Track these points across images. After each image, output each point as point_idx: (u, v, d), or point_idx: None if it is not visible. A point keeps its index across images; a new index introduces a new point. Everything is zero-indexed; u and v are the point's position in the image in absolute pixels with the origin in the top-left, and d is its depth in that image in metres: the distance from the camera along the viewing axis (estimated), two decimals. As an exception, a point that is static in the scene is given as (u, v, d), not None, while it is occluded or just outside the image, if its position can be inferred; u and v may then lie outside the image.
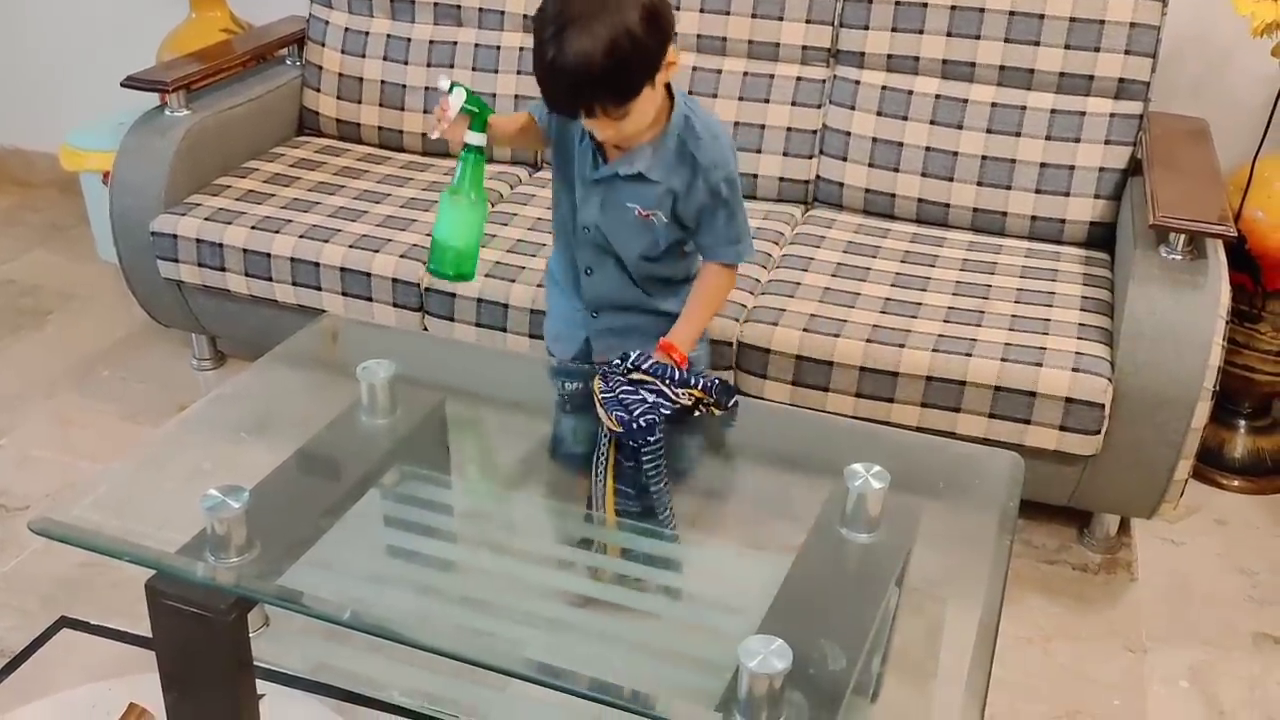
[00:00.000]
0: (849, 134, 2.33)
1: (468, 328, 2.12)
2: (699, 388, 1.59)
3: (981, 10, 2.22)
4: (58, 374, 2.54)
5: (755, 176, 2.39)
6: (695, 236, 1.67)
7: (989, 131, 2.24)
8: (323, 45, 2.64)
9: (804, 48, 2.35)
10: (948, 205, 2.28)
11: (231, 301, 2.32)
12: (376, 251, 2.17)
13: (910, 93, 2.29)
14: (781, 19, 2.34)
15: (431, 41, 2.55)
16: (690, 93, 2.39)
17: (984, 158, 2.24)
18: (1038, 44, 2.20)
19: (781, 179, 2.38)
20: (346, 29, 2.62)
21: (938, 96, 2.27)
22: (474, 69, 2.51)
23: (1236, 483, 2.27)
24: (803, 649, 1.18)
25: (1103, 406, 1.83)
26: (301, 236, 2.21)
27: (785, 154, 2.37)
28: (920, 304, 2.01)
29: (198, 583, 1.32)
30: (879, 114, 2.30)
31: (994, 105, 2.24)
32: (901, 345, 1.91)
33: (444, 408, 1.86)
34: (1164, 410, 1.83)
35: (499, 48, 2.51)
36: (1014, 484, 1.53)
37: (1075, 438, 1.86)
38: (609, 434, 1.58)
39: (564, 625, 1.46)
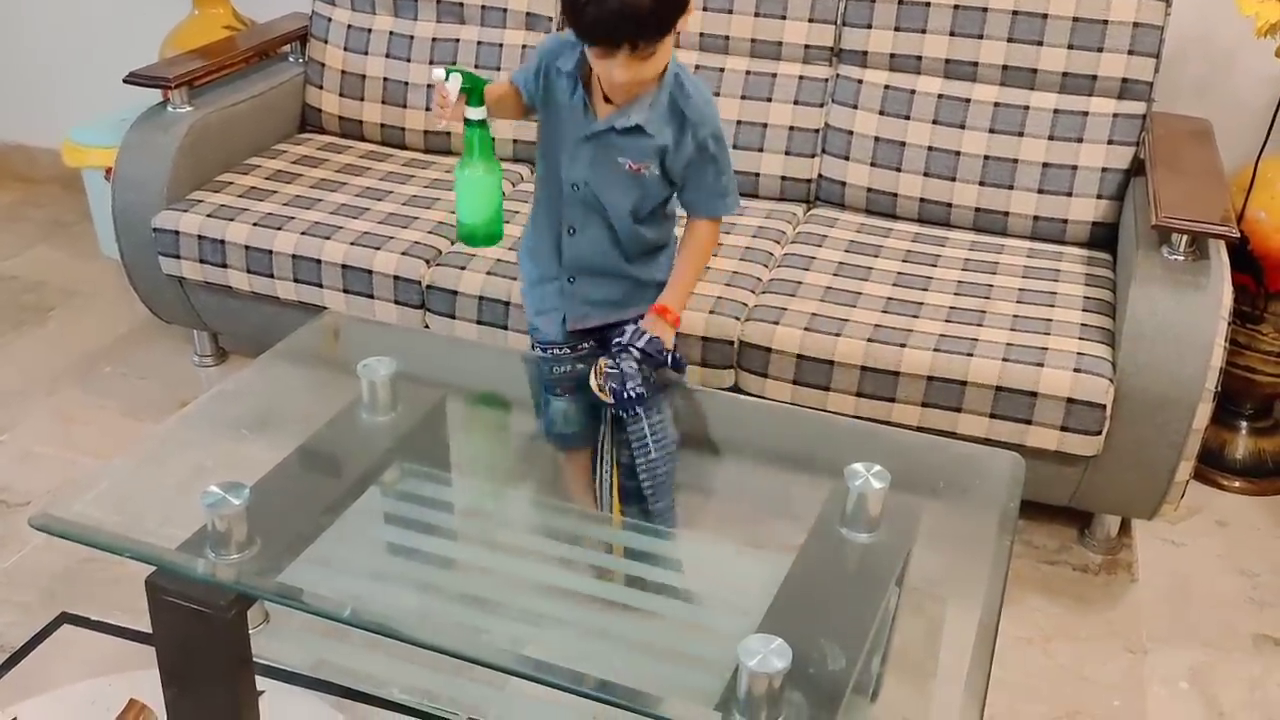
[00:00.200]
0: (851, 133, 2.33)
1: (469, 325, 2.12)
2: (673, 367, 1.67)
3: (984, 10, 2.22)
4: (60, 370, 2.54)
5: (757, 175, 2.39)
6: (682, 192, 1.69)
7: (992, 131, 2.24)
8: (325, 42, 2.64)
9: (806, 46, 2.34)
10: (950, 205, 2.28)
11: (233, 298, 2.32)
12: (378, 249, 2.17)
13: (913, 92, 2.28)
14: (784, 18, 2.34)
15: (434, 39, 2.55)
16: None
17: (986, 157, 2.24)
18: (1041, 44, 2.20)
19: (784, 178, 2.38)
20: (349, 26, 2.62)
21: (940, 96, 2.27)
22: (476, 66, 2.51)
23: (1238, 484, 2.26)
24: (802, 648, 1.18)
25: (1104, 407, 1.83)
26: (303, 233, 2.21)
27: (787, 153, 2.37)
28: (922, 304, 2.01)
29: (198, 579, 1.32)
30: (881, 113, 2.30)
31: (997, 105, 2.24)
32: (903, 345, 1.90)
33: (445, 405, 1.87)
34: (1165, 411, 1.82)
35: (501, 45, 2.51)
36: (1014, 484, 1.53)
37: (1076, 438, 1.85)
38: (607, 421, 1.58)
39: (563, 623, 1.46)
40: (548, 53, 1.65)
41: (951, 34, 2.24)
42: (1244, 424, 2.29)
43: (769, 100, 2.36)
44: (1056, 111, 2.21)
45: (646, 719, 1.18)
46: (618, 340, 1.65)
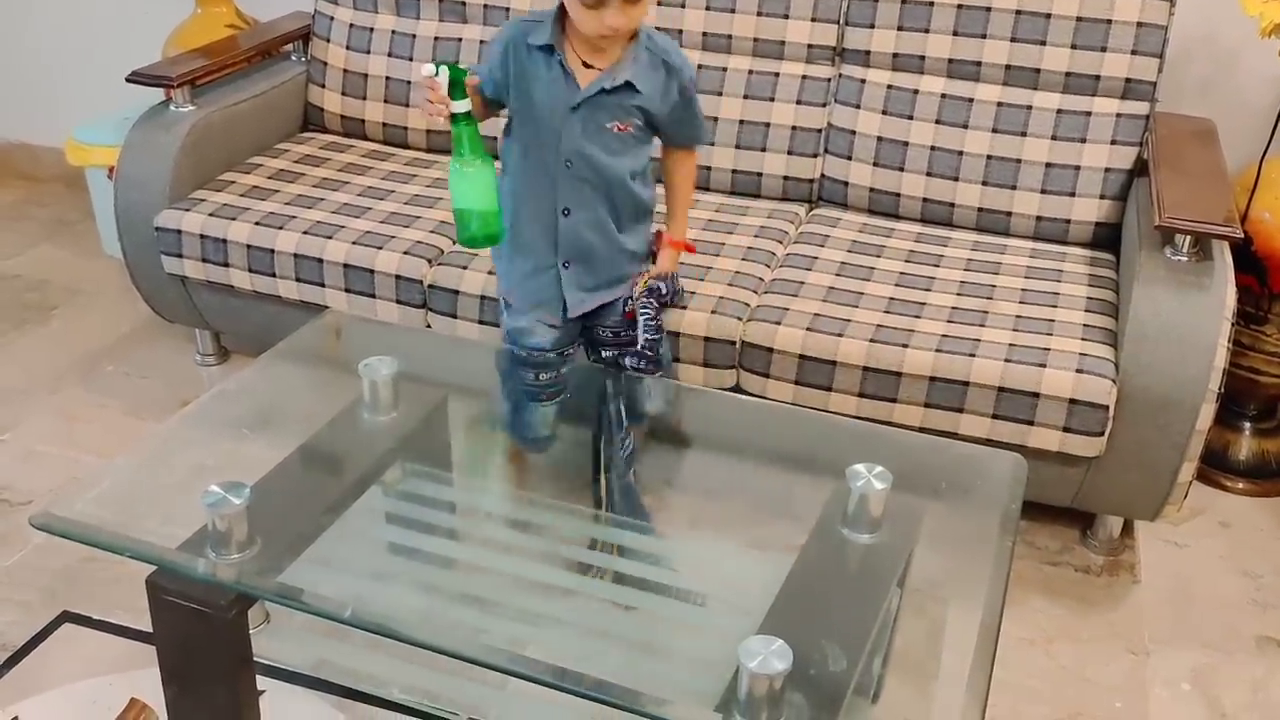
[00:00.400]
0: (854, 133, 2.32)
1: (471, 325, 2.12)
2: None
3: (988, 9, 2.21)
4: (62, 369, 2.55)
5: (760, 175, 2.39)
6: (670, 133, 1.77)
7: (994, 131, 2.23)
8: (328, 41, 2.64)
9: (809, 46, 2.34)
10: (952, 205, 2.28)
11: (235, 297, 2.32)
12: (380, 248, 2.17)
13: (916, 92, 2.28)
14: (787, 17, 2.33)
15: (436, 38, 2.55)
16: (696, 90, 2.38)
17: (989, 157, 2.24)
18: (1044, 44, 2.19)
19: (786, 178, 2.38)
20: (352, 25, 2.62)
21: (943, 96, 2.26)
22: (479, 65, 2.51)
23: (1241, 485, 2.26)
24: (803, 649, 1.18)
25: (1106, 408, 1.82)
26: (305, 233, 2.21)
27: (790, 153, 2.36)
28: (924, 304, 2.01)
29: (198, 579, 1.32)
30: (884, 113, 2.30)
31: (1000, 105, 2.23)
32: (905, 345, 1.90)
33: (446, 405, 1.86)
34: (1168, 412, 1.82)
35: (504, 45, 2.51)
36: (1016, 485, 1.53)
37: (1079, 439, 1.85)
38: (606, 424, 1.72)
39: (564, 623, 1.46)
40: (512, 37, 1.67)
41: (955, 33, 2.24)
42: (1247, 425, 2.29)
43: (772, 100, 2.36)
44: (1060, 111, 2.20)
45: (646, 720, 1.18)
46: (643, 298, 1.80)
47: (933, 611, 1.52)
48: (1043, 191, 2.22)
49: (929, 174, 2.27)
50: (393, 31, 2.58)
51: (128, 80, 2.37)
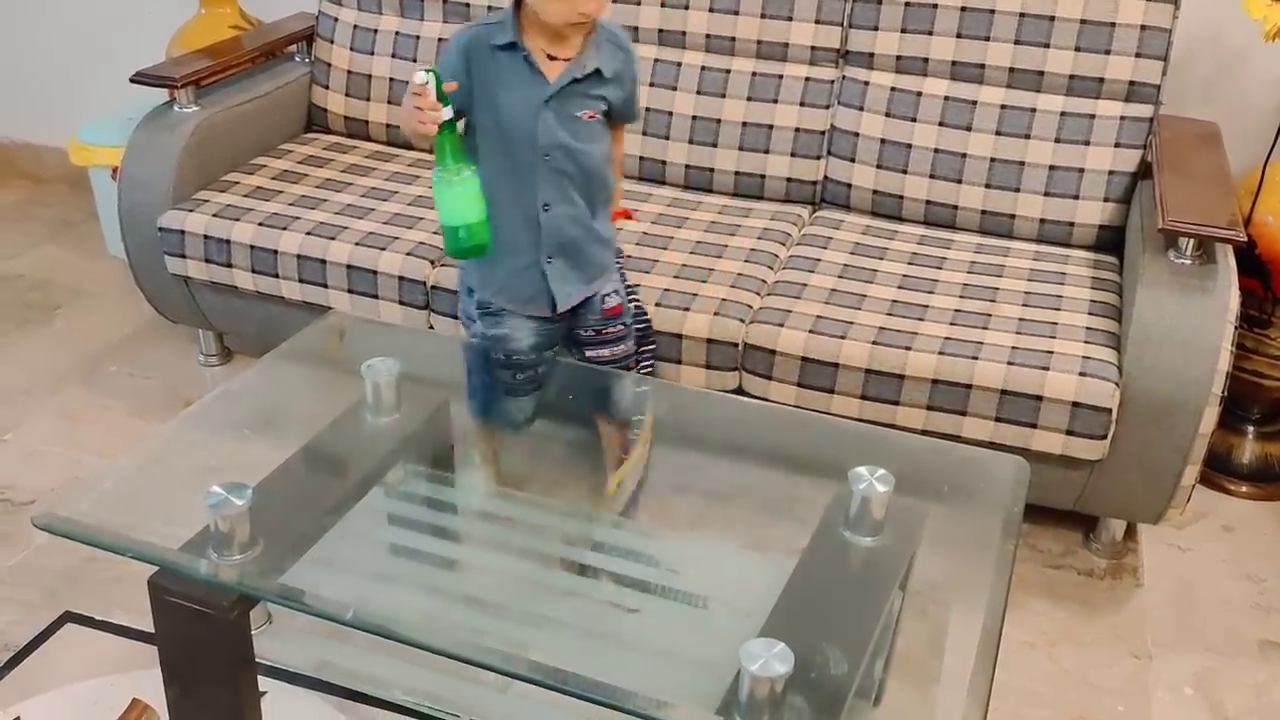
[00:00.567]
0: (857, 135, 2.32)
1: (473, 326, 2.12)
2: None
3: (992, 12, 2.21)
4: (65, 369, 2.55)
5: (763, 177, 2.39)
6: (621, 111, 1.77)
7: (998, 134, 2.23)
8: (332, 42, 2.64)
9: (813, 48, 2.34)
10: (956, 207, 2.28)
11: (238, 298, 2.32)
12: (383, 249, 2.17)
13: (919, 94, 2.28)
14: (790, 19, 2.33)
15: (440, 39, 2.55)
16: (698, 92, 2.39)
17: (993, 160, 2.24)
18: (1048, 46, 2.19)
19: (789, 180, 2.38)
20: (356, 26, 2.62)
21: (947, 98, 2.26)
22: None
23: (1244, 489, 2.25)
24: (805, 652, 1.18)
25: (1109, 411, 1.82)
26: (308, 233, 2.21)
27: (793, 155, 2.36)
28: (927, 306, 2.01)
29: (200, 580, 1.32)
30: (887, 115, 2.30)
31: (1003, 107, 2.23)
32: (908, 348, 1.90)
33: (449, 406, 1.86)
34: (1171, 415, 1.82)
35: (508, 46, 2.51)
36: (1018, 488, 1.53)
37: (1081, 442, 1.85)
38: None
39: (565, 626, 1.45)
40: (470, 40, 1.67)
41: (958, 36, 2.24)
42: (1251, 428, 2.28)
43: (775, 102, 2.36)
44: (1063, 114, 2.20)
45: (647, 723, 1.18)
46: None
47: (935, 614, 1.51)
48: (1046, 194, 2.22)
49: (932, 176, 2.27)
50: (396, 33, 2.58)
51: (132, 81, 2.37)
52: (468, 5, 2.53)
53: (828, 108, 2.35)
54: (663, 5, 2.40)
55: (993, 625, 1.31)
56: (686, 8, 2.38)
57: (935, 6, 2.24)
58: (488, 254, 1.68)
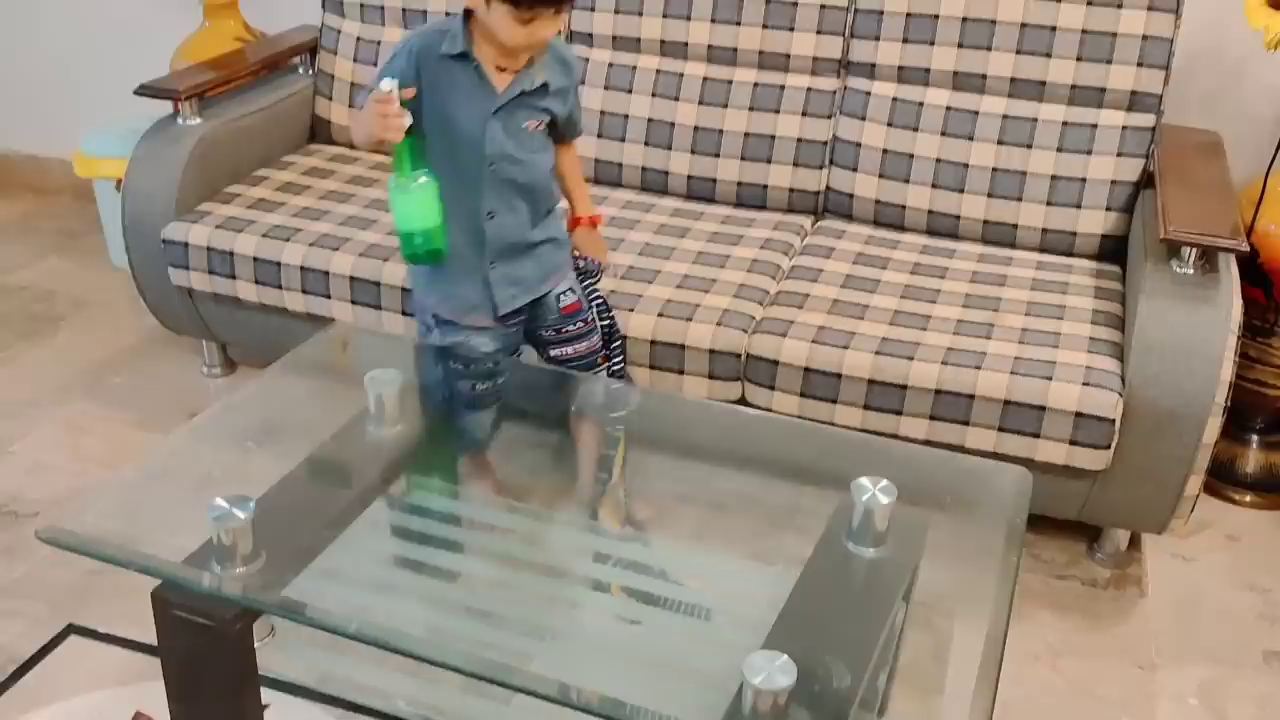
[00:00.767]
0: (859, 145, 2.32)
1: (476, 337, 2.12)
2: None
3: (993, 22, 2.21)
4: (69, 381, 2.55)
5: (765, 187, 2.39)
6: (565, 125, 1.81)
7: (1000, 143, 2.23)
8: (335, 54, 2.65)
9: (815, 59, 2.34)
10: (958, 217, 2.28)
11: (241, 309, 2.33)
12: (386, 260, 2.17)
13: (921, 104, 2.28)
14: (792, 30, 2.34)
15: (443, 51, 2.56)
16: (700, 102, 2.39)
17: (995, 169, 2.24)
18: (1049, 56, 2.19)
19: (791, 190, 2.38)
20: (359, 38, 2.63)
21: (949, 108, 2.26)
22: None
23: (1248, 498, 2.25)
24: (808, 665, 1.18)
25: (1113, 421, 1.82)
26: (311, 245, 2.22)
27: (795, 165, 2.37)
28: (930, 316, 2.01)
29: (203, 593, 1.32)
30: (890, 125, 2.30)
31: (1005, 117, 2.23)
32: (910, 358, 1.90)
33: (452, 417, 1.87)
34: (1175, 425, 1.82)
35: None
36: (1021, 499, 1.53)
37: (1085, 452, 1.85)
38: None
39: (569, 637, 1.45)
40: (420, 46, 1.68)
41: (960, 46, 2.24)
42: (1255, 438, 2.28)
43: (777, 112, 2.36)
44: (1065, 124, 2.20)
45: (651, 735, 1.18)
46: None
47: (938, 626, 1.51)
48: (1048, 204, 2.22)
49: (934, 186, 2.28)
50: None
51: (136, 93, 2.38)
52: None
53: (830, 118, 2.35)
54: (665, 16, 2.40)
55: (996, 636, 1.31)
56: (688, 18, 2.39)
57: (937, 17, 2.25)
58: (443, 260, 1.70)
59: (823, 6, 2.31)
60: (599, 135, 2.45)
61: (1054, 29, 2.18)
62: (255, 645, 1.40)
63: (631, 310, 2.02)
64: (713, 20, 2.38)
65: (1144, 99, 2.17)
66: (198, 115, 2.41)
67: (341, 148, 2.67)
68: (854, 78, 2.34)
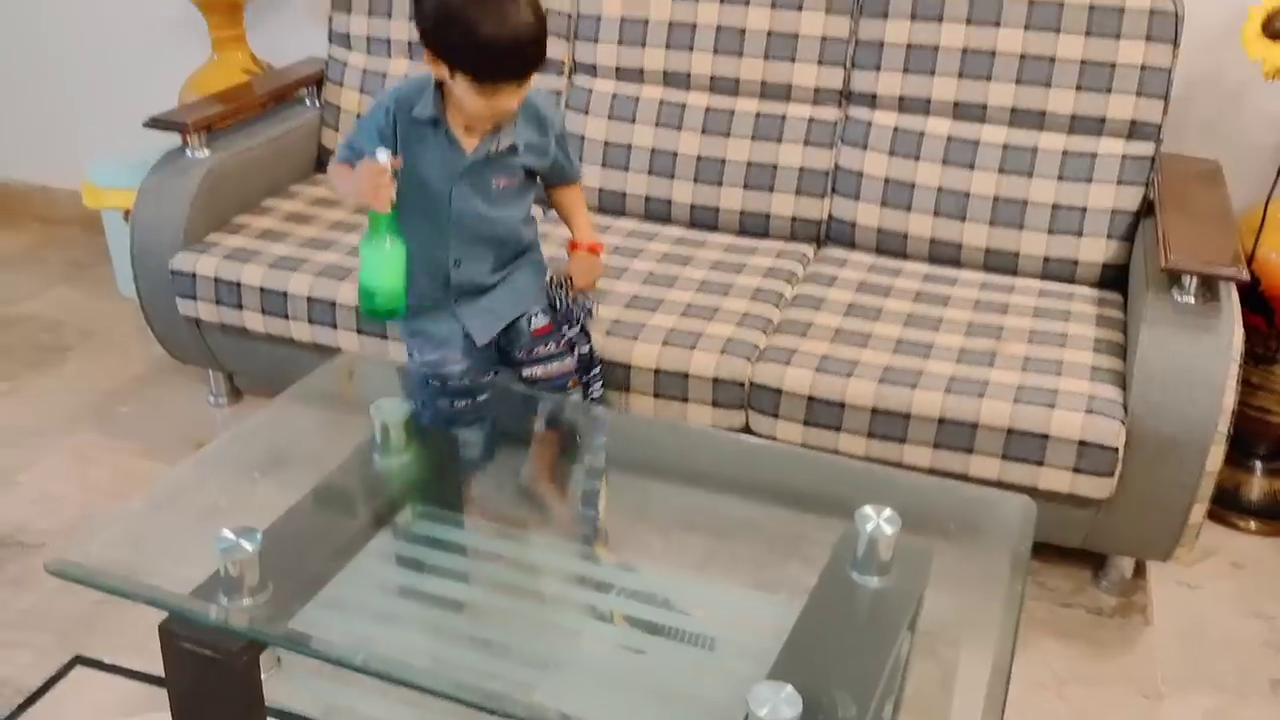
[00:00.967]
0: (861, 174, 2.34)
1: (481, 366, 2.13)
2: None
3: (993, 53, 2.23)
4: (76, 410, 2.57)
5: (768, 216, 2.41)
6: (552, 174, 1.87)
7: (1001, 172, 2.25)
8: (341, 85, 2.68)
9: (816, 89, 2.37)
10: (960, 245, 2.29)
11: (248, 339, 2.34)
12: (392, 290, 2.18)
13: (922, 133, 2.30)
14: (794, 61, 2.36)
15: (448, 82, 2.58)
16: (703, 132, 2.41)
17: (996, 198, 2.25)
18: (1049, 86, 2.21)
19: (794, 218, 2.40)
20: (365, 70, 2.66)
21: (950, 138, 2.28)
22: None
23: (1253, 525, 2.25)
24: (813, 695, 1.18)
25: (1116, 449, 1.82)
26: (318, 275, 2.23)
27: (797, 193, 2.38)
28: (932, 344, 2.02)
29: (210, 625, 1.33)
30: (891, 154, 2.32)
31: (1006, 146, 2.25)
32: (914, 386, 1.90)
33: (457, 446, 1.88)
34: (1178, 453, 1.82)
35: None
36: (1026, 528, 1.53)
37: (1088, 480, 1.85)
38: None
39: (574, 667, 1.46)
40: (395, 102, 1.73)
41: (960, 76, 2.26)
42: (1258, 465, 2.28)
43: (779, 141, 2.38)
44: (1065, 153, 2.22)
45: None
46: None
47: (944, 655, 1.51)
48: (1050, 232, 2.23)
49: (936, 214, 2.29)
50: (405, 75, 2.62)
51: (145, 126, 2.41)
52: (475, 49, 2.57)
53: (832, 147, 2.37)
54: (667, 47, 2.43)
55: (1002, 665, 1.31)
56: (691, 50, 2.41)
57: (937, 48, 2.27)
58: (399, 319, 1.79)
59: (824, 38, 2.34)
60: (603, 165, 2.48)
61: (1053, 59, 2.20)
62: (262, 677, 1.40)
63: (635, 339, 2.03)
64: (715, 51, 2.40)
65: (1143, 128, 2.19)
66: (206, 147, 2.43)
67: (348, 178, 2.69)
68: (855, 107, 2.36)
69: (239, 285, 2.26)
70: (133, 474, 2.35)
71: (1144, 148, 2.20)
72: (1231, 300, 1.91)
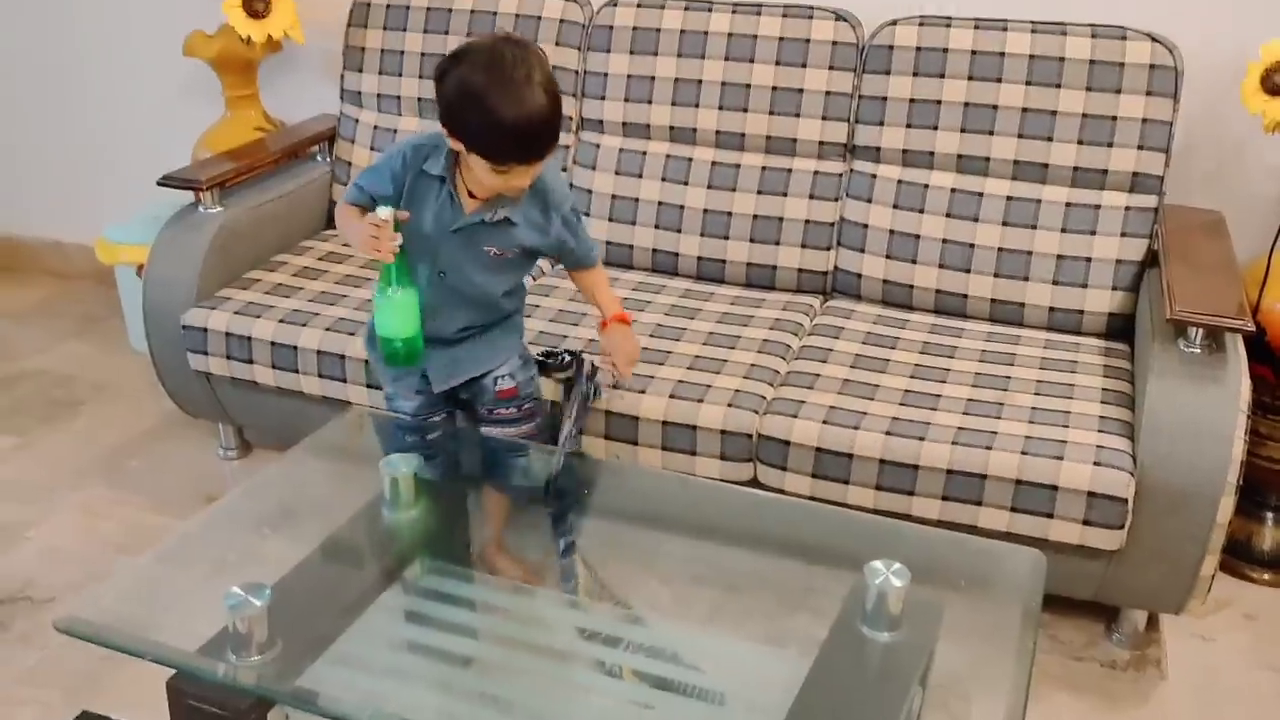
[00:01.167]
0: (866, 226, 2.36)
1: (490, 420, 2.14)
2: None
3: (994, 107, 2.26)
4: (86, 465, 2.57)
5: (774, 268, 2.42)
6: (563, 257, 1.90)
7: (1005, 224, 2.27)
8: (352, 142, 2.72)
9: (820, 143, 2.39)
10: (965, 296, 2.30)
11: (259, 392, 2.35)
12: (401, 344, 2.20)
13: (926, 186, 2.32)
14: (798, 116, 2.39)
15: (458, 139, 2.62)
16: (709, 186, 2.44)
17: (1000, 249, 2.27)
18: (1050, 140, 2.23)
19: (800, 270, 2.42)
20: (375, 126, 2.70)
21: (953, 190, 2.30)
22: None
23: (1266, 576, 2.23)
24: (823, 754, 1.17)
25: (1125, 501, 1.82)
26: (328, 329, 2.25)
27: (803, 246, 2.40)
28: (940, 396, 2.02)
29: (218, 683, 1.33)
30: (895, 207, 2.34)
31: (1009, 199, 2.27)
32: (921, 438, 1.91)
33: (466, 500, 1.88)
34: (1188, 505, 1.81)
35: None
36: (1036, 581, 1.53)
37: (1099, 532, 1.84)
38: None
39: (583, 725, 1.45)
40: (412, 153, 1.78)
41: (962, 131, 2.29)
42: (1269, 515, 2.27)
43: (784, 195, 2.40)
44: (1068, 205, 2.24)
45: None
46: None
47: (956, 710, 1.50)
48: (1055, 283, 2.24)
49: (941, 266, 2.31)
50: (415, 132, 2.65)
51: (159, 184, 2.44)
52: (484, 106, 2.60)
53: (836, 200, 2.39)
54: (674, 104, 2.46)
55: (1014, 721, 1.30)
56: (696, 106, 2.44)
57: (939, 103, 2.30)
58: (418, 363, 1.81)
59: (827, 93, 2.37)
60: (610, 219, 2.50)
61: (1054, 113, 2.23)
62: (270, 734, 1.40)
63: (643, 392, 2.04)
64: (720, 107, 2.43)
65: (1146, 180, 2.21)
66: (218, 204, 2.46)
67: (358, 233, 2.72)
68: (859, 161, 2.39)
69: (250, 339, 2.28)
70: (142, 528, 2.35)
71: (1147, 200, 2.22)
72: (1238, 351, 1.91)
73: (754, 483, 2.02)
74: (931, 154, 2.32)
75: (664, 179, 2.47)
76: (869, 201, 2.36)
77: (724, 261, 2.45)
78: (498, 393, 1.92)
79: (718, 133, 2.45)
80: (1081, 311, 2.24)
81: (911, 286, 2.34)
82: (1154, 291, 2.12)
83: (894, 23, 2.34)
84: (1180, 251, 2.11)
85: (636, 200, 2.48)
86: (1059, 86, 2.22)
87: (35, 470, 2.56)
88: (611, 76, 2.50)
